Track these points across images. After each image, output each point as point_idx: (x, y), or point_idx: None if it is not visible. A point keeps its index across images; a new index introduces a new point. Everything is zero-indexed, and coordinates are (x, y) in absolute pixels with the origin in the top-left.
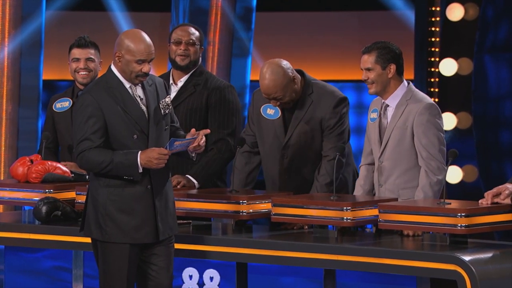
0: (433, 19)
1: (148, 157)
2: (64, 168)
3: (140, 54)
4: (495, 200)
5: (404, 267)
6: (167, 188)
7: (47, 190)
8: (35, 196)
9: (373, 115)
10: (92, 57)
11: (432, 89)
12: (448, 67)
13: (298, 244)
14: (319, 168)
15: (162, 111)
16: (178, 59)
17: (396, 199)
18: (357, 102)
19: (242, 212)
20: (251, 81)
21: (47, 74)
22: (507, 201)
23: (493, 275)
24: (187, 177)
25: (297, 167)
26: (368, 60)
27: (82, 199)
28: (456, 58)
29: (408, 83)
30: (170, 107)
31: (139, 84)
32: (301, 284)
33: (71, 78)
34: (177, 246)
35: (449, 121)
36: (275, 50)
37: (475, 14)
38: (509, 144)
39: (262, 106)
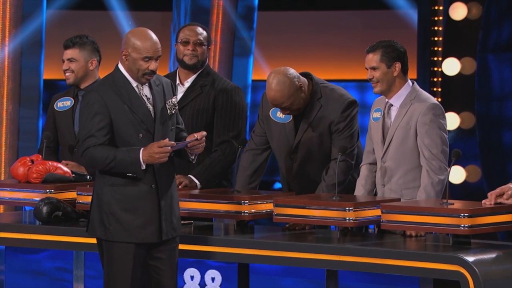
0: (436, 19)
1: (149, 152)
2: (65, 168)
3: (146, 51)
4: (499, 200)
5: (407, 267)
6: (172, 188)
7: (47, 191)
8: (36, 197)
9: (376, 114)
10: (74, 57)
11: (435, 89)
12: (451, 66)
13: (300, 244)
14: (326, 169)
15: (169, 111)
16: (186, 58)
17: (398, 199)
18: (360, 102)
19: (244, 212)
20: (253, 80)
21: (48, 73)
22: (511, 201)
23: (497, 275)
24: (189, 177)
25: (306, 171)
26: (373, 59)
27: (83, 199)
28: (459, 58)
29: (413, 83)
30: (177, 107)
31: (146, 84)
32: (303, 285)
33: None
34: (179, 246)
35: (452, 121)
36: (277, 49)
37: (478, 13)
38: None
39: (271, 110)
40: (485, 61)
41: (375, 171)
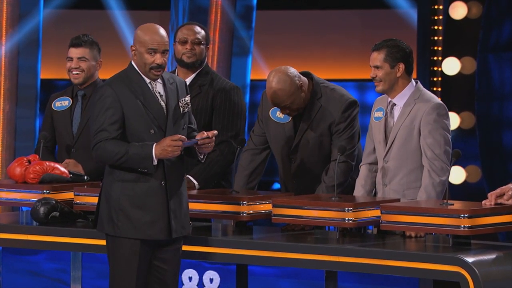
0: (436, 18)
1: (162, 147)
2: (62, 169)
3: (150, 43)
4: (499, 200)
5: (407, 268)
6: (182, 186)
7: (45, 191)
8: (33, 197)
9: (378, 114)
10: (85, 56)
11: (435, 89)
12: (451, 66)
13: (299, 245)
14: (326, 170)
15: (181, 110)
16: (184, 57)
17: (398, 200)
18: (360, 102)
19: (243, 213)
20: (251, 80)
21: (45, 73)
22: (511, 202)
23: (497, 276)
24: (187, 177)
25: (305, 172)
26: (377, 58)
27: (80, 200)
28: (459, 57)
29: (416, 82)
30: (189, 106)
31: (160, 81)
32: (302, 286)
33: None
34: None
35: (452, 121)
36: (276, 49)
37: (478, 12)
38: None
39: (271, 110)
40: (485, 61)
41: (375, 171)
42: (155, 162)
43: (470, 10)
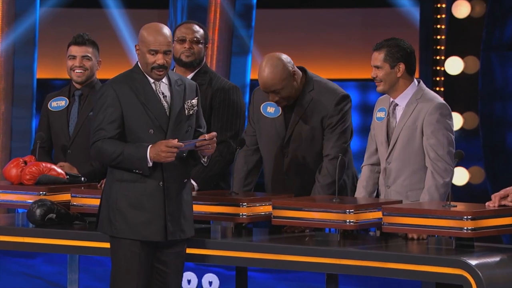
0: (438, 17)
1: (156, 150)
2: (59, 170)
3: (152, 44)
4: (503, 202)
5: (409, 271)
6: (183, 189)
7: (41, 192)
8: (29, 199)
9: (380, 114)
10: (89, 55)
11: (437, 88)
12: (454, 65)
13: (299, 247)
14: (320, 168)
15: (186, 112)
16: (182, 56)
17: (400, 201)
18: (361, 102)
19: (242, 215)
20: (251, 80)
21: (42, 72)
22: None
23: (500, 279)
24: None
25: (297, 167)
26: (378, 58)
27: (77, 201)
28: (462, 57)
29: (419, 82)
30: (195, 108)
31: (166, 82)
32: None
33: (66, 76)
34: None
35: (455, 121)
36: (276, 48)
37: (481, 11)
38: None
39: (262, 105)
40: (488, 60)
41: (377, 172)
42: (150, 164)
43: (473, 9)
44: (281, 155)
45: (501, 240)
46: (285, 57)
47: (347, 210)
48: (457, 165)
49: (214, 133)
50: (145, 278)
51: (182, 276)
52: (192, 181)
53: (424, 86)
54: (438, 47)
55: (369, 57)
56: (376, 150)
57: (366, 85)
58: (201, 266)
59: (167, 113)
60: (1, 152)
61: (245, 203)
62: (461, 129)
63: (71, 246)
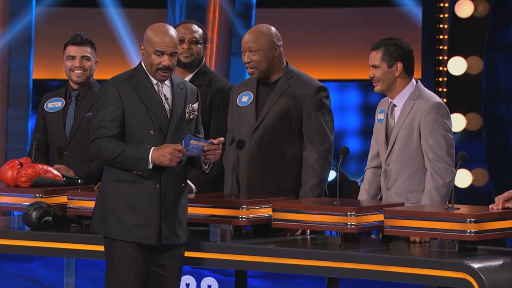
0: (441, 16)
1: (161, 152)
2: (56, 172)
3: (158, 45)
4: (506, 205)
5: (411, 275)
6: (179, 193)
7: (37, 195)
8: (25, 201)
9: (380, 116)
10: (88, 55)
11: (440, 89)
12: (457, 66)
13: (300, 251)
14: (304, 170)
15: (187, 115)
16: (181, 56)
17: (402, 204)
18: (362, 102)
19: (241, 217)
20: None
21: (38, 73)
22: None
23: (504, 283)
24: None
25: (262, 154)
26: (375, 57)
27: (74, 204)
28: (465, 57)
29: (417, 82)
30: (195, 113)
31: (168, 84)
32: None
33: (63, 77)
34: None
35: (458, 122)
36: None
37: (485, 10)
38: None
39: (238, 97)
40: (492, 60)
41: (380, 175)
42: (150, 166)
43: (476, 8)
44: (249, 142)
45: (505, 243)
46: (274, 30)
47: (349, 213)
48: (460, 167)
49: (221, 139)
50: (142, 281)
51: (180, 279)
52: (191, 184)
53: (422, 86)
54: (441, 47)
55: None
56: (379, 153)
57: (368, 85)
58: (200, 269)
59: (168, 115)
60: None
61: (245, 206)
62: (464, 130)
63: (68, 249)
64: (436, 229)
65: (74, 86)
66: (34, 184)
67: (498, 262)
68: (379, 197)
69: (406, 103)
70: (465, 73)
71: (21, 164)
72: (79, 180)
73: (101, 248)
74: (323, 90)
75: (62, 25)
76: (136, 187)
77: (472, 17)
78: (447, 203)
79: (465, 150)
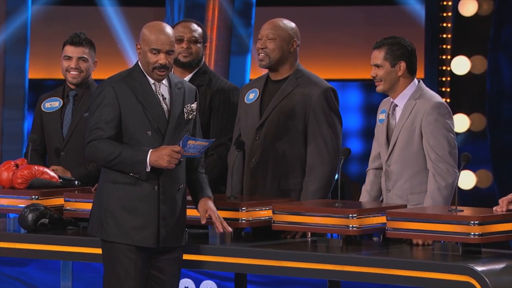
0: (444, 15)
1: (159, 154)
2: (52, 173)
3: (154, 43)
4: (511, 207)
5: (414, 278)
6: (178, 195)
7: (33, 197)
8: (21, 203)
9: (382, 116)
10: (85, 56)
11: (443, 89)
12: (461, 65)
13: (300, 253)
14: (307, 172)
15: (185, 116)
16: (180, 56)
17: (405, 206)
18: (364, 103)
19: (241, 219)
20: (250, 80)
21: (34, 72)
22: None
23: (508, 286)
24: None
25: (266, 151)
26: (378, 56)
27: (71, 206)
28: (469, 56)
29: (419, 81)
30: (194, 113)
31: (166, 84)
32: None
33: (60, 77)
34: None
35: (462, 123)
36: None
37: (489, 9)
38: None
39: (246, 95)
40: (496, 60)
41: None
42: (148, 169)
43: (480, 7)
44: (253, 138)
45: (509, 246)
46: (296, 27)
47: (350, 215)
48: (464, 169)
49: (229, 229)
50: (142, 284)
51: (178, 283)
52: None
53: (423, 85)
54: (444, 46)
55: None
56: (380, 153)
57: (369, 85)
58: (199, 274)
59: (166, 115)
60: None
61: (245, 208)
62: (468, 131)
63: (64, 252)
64: (439, 232)
65: (72, 86)
66: (30, 186)
67: (503, 265)
68: (381, 198)
69: (408, 103)
70: (469, 73)
71: (16, 166)
72: (76, 182)
73: (98, 250)
74: (332, 91)
75: (59, 23)
76: (134, 189)
77: (476, 15)
78: (451, 205)
79: (469, 151)
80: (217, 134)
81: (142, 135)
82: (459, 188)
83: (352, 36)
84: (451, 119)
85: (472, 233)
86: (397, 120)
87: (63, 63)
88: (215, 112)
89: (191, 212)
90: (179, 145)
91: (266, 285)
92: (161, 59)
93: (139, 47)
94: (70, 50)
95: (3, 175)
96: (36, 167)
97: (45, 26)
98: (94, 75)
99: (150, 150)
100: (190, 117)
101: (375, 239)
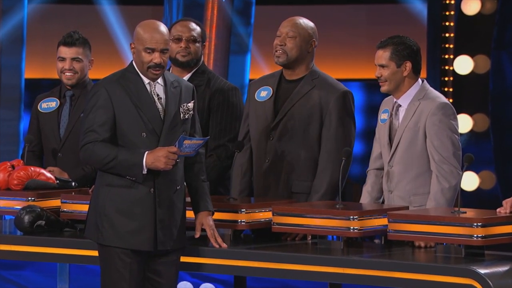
0: (447, 13)
1: (155, 156)
2: (49, 175)
3: (148, 42)
4: None
5: (416, 281)
6: (175, 196)
7: (29, 198)
8: (17, 205)
9: (384, 116)
10: (79, 57)
11: (446, 89)
12: (464, 65)
13: (301, 256)
14: (317, 175)
15: (182, 115)
16: (178, 56)
17: (407, 207)
18: (366, 103)
19: (241, 221)
20: (250, 79)
21: (30, 72)
22: None
23: None
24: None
25: (281, 151)
26: (383, 56)
27: (68, 207)
28: (472, 55)
29: (423, 81)
30: (191, 112)
31: (161, 83)
32: None
33: (56, 76)
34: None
35: (465, 123)
36: None
37: (492, 8)
38: None
39: (256, 92)
40: (499, 59)
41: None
42: (145, 171)
43: (483, 6)
44: (266, 138)
45: None
46: (315, 27)
47: (351, 217)
48: (466, 170)
49: (224, 246)
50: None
51: (176, 286)
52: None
53: (427, 85)
54: (447, 46)
55: (374, 56)
56: (381, 154)
57: (371, 85)
58: (196, 279)
59: (161, 116)
60: None
61: (244, 210)
62: (471, 131)
63: (61, 254)
64: (442, 234)
65: (69, 86)
66: (26, 187)
67: (506, 268)
68: (381, 199)
69: (411, 103)
70: (472, 73)
71: (12, 167)
72: (73, 183)
73: (95, 253)
74: (349, 95)
75: (55, 22)
76: (130, 192)
77: (479, 14)
78: (453, 206)
79: (472, 152)
80: (216, 135)
81: (137, 137)
82: (462, 190)
83: (354, 35)
84: (456, 120)
85: (475, 235)
86: (400, 120)
87: (57, 65)
88: (214, 113)
89: (190, 214)
90: (175, 146)
91: (267, 280)
92: (156, 58)
93: (133, 46)
94: (63, 51)
95: None
96: (32, 168)
97: (41, 25)
98: (92, 75)
99: (146, 152)
100: (186, 116)
101: (376, 241)
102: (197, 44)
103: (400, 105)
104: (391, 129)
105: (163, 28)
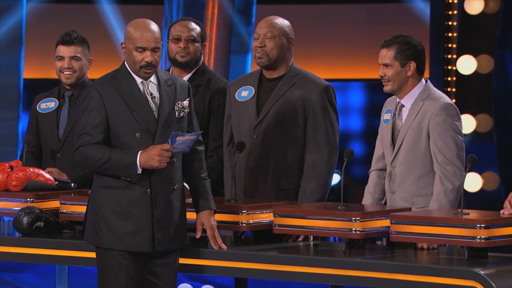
0: (450, 13)
1: (149, 155)
2: (47, 176)
3: (139, 41)
4: None
5: (419, 283)
6: (173, 196)
7: (28, 199)
8: (16, 206)
9: (386, 116)
10: (78, 55)
11: (449, 89)
12: (467, 64)
13: (302, 258)
14: (305, 171)
15: (177, 114)
16: (177, 56)
17: (409, 209)
18: (367, 103)
19: (242, 223)
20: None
21: (28, 72)
22: None
23: None
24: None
25: (265, 149)
26: (387, 55)
27: (67, 209)
28: (475, 55)
29: (426, 81)
30: (186, 110)
31: (155, 82)
32: None
33: (55, 76)
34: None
35: (468, 123)
36: None
37: (496, 7)
38: None
39: (236, 92)
40: (503, 59)
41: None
42: (139, 171)
43: (487, 5)
44: (250, 137)
45: None
46: (290, 26)
47: (353, 218)
48: (470, 171)
49: (223, 247)
50: None
51: (175, 287)
52: (189, 188)
53: (431, 85)
54: (450, 45)
55: (376, 55)
56: (384, 154)
57: (373, 85)
58: (196, 282)
59: (155, 115)
60: None
61: (245, 211)
62: (474, 132)
63: (60, 256)
64: (445, 235)
65: (68, 86)
66: (25, 188)
67: (509, 270)
68: (383, 201)
69: (415, 103)
70: (475, 72)
71: (11, 168)
72: (72, 184)
73: (94, 255)
74: (330, 89)
75: (54, 21)
76: (126, 194)
77: (482, 14)
78: (456, 208)
79: (475, 152)
80: (217, 135)
81: (131, 138)
82: (465, 191)
83: (355, 34)
84: (460, 120)
85: (478, 237)
86: (403, 121)
87: (56, 64)
88: (214, 113)
89: (190, 215)
90: (168, 143)
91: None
92: (147, 57)
93: (124, 46)
94: (62, 50)
95: None
96: (31, 169)
97: (40, 25)
98: (91, 75)
99: (139, 152)
100: (181, 114)
101: (378, 242)
102: (197, 44)
103: (404, 105)
104: (394, 129)
105: (153, 26)
